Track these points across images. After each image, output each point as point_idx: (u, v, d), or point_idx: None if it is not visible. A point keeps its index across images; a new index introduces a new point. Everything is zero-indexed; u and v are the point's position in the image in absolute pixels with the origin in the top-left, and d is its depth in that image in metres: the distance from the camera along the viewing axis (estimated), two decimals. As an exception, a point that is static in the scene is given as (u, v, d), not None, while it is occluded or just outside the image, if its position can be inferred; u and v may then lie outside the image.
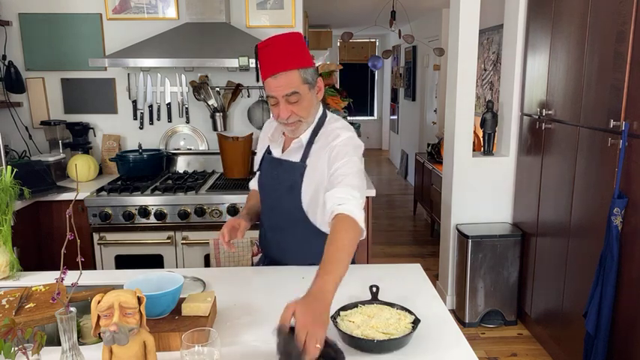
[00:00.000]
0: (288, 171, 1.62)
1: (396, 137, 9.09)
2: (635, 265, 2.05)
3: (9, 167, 1.71)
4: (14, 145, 3.16)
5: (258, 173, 1.78)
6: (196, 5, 3.01)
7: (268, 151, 1.73)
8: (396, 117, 8.98)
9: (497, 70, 4.36)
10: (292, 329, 1.03)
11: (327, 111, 1.68)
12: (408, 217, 5.81)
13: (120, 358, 1.01)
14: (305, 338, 1.01)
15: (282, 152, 1.66)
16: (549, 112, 2.78)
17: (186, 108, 3.25)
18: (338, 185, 1.43)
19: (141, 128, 3.26)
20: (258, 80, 1.56)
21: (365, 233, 1.40)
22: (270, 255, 1.79)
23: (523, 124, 3.18)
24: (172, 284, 1.29)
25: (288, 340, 1.02)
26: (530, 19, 3.06)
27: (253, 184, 1.88)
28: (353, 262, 1.35)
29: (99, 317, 1.00)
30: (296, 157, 1.62)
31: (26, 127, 3.19)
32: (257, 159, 1.80)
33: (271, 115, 1.69)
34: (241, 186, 2.80)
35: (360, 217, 1.36)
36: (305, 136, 1.59)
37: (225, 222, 1.92)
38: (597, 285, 2.20)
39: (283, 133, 1.67)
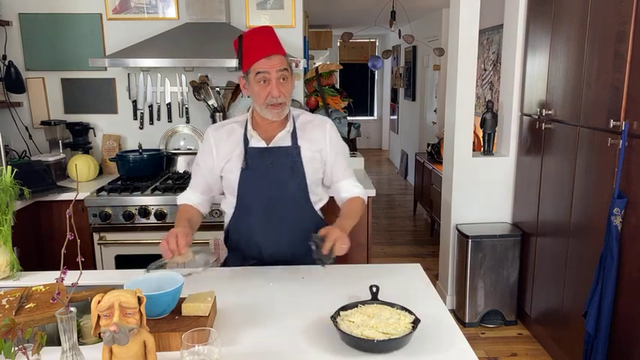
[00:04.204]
0: (285, 155, 1.69)
1: (396, 137, 9.09)
2: (635, 265, 2.05)
3: (9, 167, 1.71)
4: (14, 145, 3.16)
5: (192, 183, 1.81)
6: (196, 5, 3.01)
7: (247, 146, 1.70)
8: (396, 117, 8.98)
9: (497, 70, 4.36)
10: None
11: None
12: (408, 217, 5.81)
13: (120, 358, 1.01)
14: (334, 242, 1.47)
15: (268, 143, 1.70)
16: (549, 112, 2.78)
17: (186, 108, 3.25)
18: (345, 179, 1.79)
19: (141, 128, 3.26)
20: (239, 67, 1.65)
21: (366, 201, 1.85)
22: (267, 251, 1.75)
23: (523, 124, 3.18)
24: (172, 284, 1.29)
25: (319, 245, 1.49)
26: (530, 19, 3.06)
27: (185, 198, 1.83)
28: (352, 262, 1.46)
29: (99, 317, 1.00)
30: (286, 143, 1.70)
31: (26, 127, 3.19)
32: (220, 165, 1.73)
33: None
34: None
35: (364, 195, 1.82)
36: (289, 125, 1.71)
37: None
38: (597, 285, 2.20)
39: (252, 128, 1.70)
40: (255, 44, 1.58)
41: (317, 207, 1.78)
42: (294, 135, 1.71)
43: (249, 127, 1.71)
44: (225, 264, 1.86)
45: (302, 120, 1.75)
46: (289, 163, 1.69)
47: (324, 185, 1.82)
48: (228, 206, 1.79)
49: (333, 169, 1.76)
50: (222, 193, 1.83)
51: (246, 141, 1.71)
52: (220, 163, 1.73)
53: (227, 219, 1.81)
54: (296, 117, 1.75)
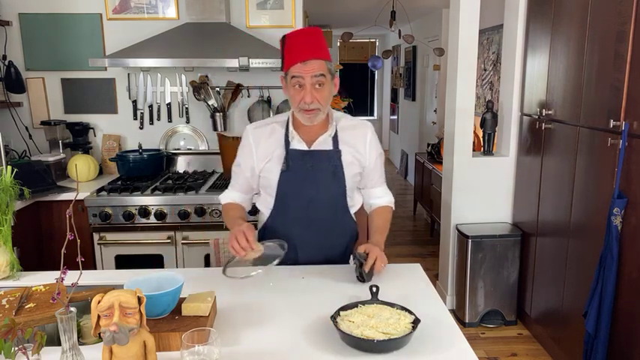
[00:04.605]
0: (326, 159, 1.69)
1: (396, 137, 9.09)
2: (635, 265, 2.05)
3: (9, 167, 1.71)
4: (14, 145, 3.16)
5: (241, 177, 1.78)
6: (196, 5, 3.01)
7: (288, 148, 1.69)
8: (396, 117, 8.98)
9: (497, 70, 4.36)
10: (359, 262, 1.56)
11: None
12: (408, 217, 5.81)
13: (120, 358, 1.01)
14: (375, 260, 1.54)
15: (309, 146, 1.69)
16: (549, 112, 2.78)
17: (186, 108, 3.25)
18: (378, 186, 1.84)
19: (141, 128, 3.26)
20: (282, 67, 1.64)
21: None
22: (303, 253, 1.74)
23: (523, 124, 3.18)
24: (172, 284, 1.29)
25: (360, 264, 1.54)
26: (530, 19, 3.06)
27: (229, 197, 1.81)
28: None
29: (99, 317, 1.00)
30: (327, 147, 1.69)
31: (26, 127, 3.19)
32: (260, 165, 1.71)
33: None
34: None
35: (393, 204, 1.88)
36: (332, 129, 1.71)
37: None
38: (597, 285, 2.20)
39: (293, 129, 1.69)
40: (295, 47, 1.57)
41: (352, 211, 1.80)
42: (335, 139, 1.70)
43: (291, 128, 1.70)
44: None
45: (343, 124, 1.74)
46: (330, 167, 1.68)
47: (358, 190, 1.83)
48: (265, 206, 1.77)
49: (370, 175, 1.78)
50: (257, 192, 1.82)
51: (287, 142, 1.69)
52: (260, 163, 1.71)
53: (262, 218, 1.80)
54: (337, 120, 1.73)
